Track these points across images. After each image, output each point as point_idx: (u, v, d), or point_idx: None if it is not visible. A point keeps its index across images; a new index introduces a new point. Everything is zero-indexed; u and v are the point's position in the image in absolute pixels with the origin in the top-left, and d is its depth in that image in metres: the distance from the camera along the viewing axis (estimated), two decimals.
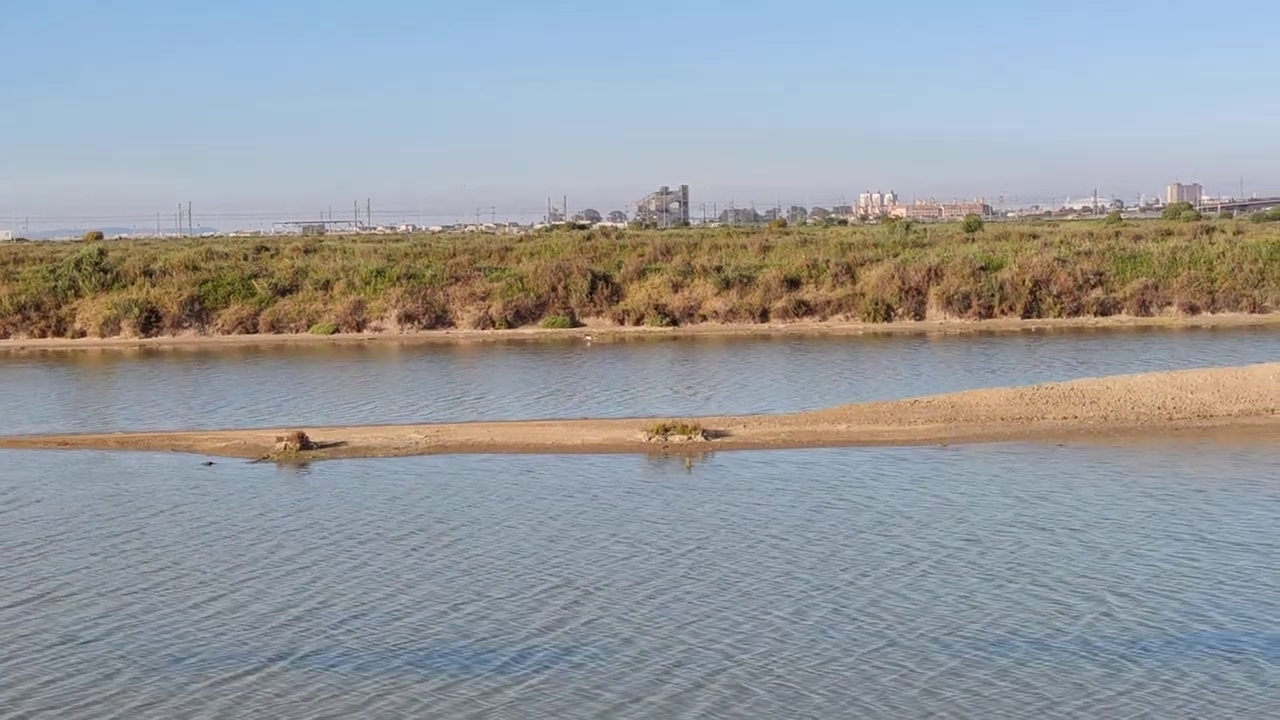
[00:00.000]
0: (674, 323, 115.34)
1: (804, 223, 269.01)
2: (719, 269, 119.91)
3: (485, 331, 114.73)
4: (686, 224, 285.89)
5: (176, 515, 43.49)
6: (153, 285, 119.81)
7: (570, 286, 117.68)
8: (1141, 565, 34.89)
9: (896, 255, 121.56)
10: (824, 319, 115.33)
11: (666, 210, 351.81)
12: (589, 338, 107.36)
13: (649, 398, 69.68)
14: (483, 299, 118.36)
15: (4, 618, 31.80)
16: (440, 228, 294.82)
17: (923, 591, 32.61)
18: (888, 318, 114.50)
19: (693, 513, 41.98)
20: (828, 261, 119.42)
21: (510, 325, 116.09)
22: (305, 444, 55.01)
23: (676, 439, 53.86)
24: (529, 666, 27.77)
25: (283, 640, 29.82)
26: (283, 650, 29.06)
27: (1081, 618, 30.09)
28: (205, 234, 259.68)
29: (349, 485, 47.86)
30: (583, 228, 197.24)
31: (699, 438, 54.13)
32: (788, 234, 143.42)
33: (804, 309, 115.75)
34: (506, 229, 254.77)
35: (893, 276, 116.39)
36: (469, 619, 31.08)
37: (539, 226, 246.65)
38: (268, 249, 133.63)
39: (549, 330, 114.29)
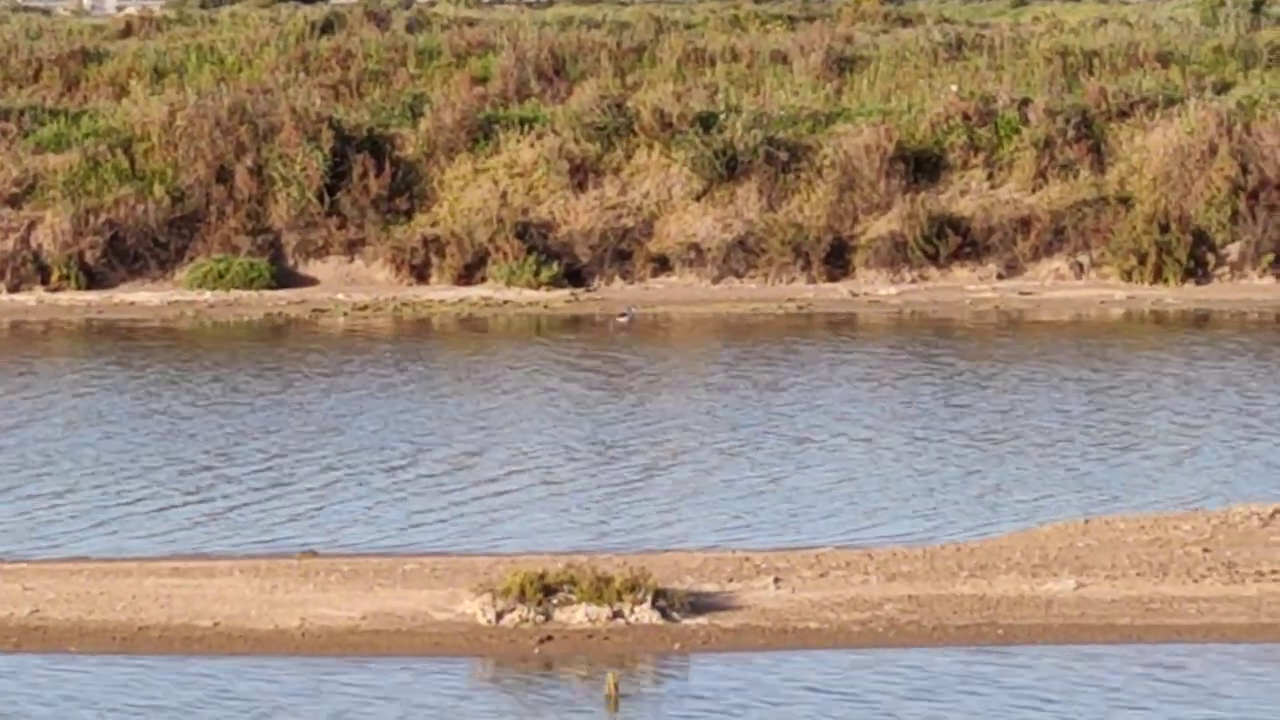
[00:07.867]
0: (574, 277, 55.84)
1: None
2: (706, 120, 57.04)
3: (20, 297, 57.58)
4: None
5: None
6: None
7: (273, 170, 56.98)
8: None
9: (1221, 92, 62.08)
10: (1007, 269, 55.12)
11: None
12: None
13: (496, 491, 36.94)
14: (13, 203, 59.29)
15: None
16: None
17: None
18: (1196, 268, 55.00)
19: None
20: (1022, 105, 57.81)
21: (92, 278, 56.77)
22: None
23: (578, 616, 28.29)
24: None
25: None
26: None
27: None
28: None
29: None
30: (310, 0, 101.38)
31: (646, 612, 28.10)
32: (909, 21, 72.15)
33: (953, 239, 54.74)
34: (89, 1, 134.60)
35: (1208, 152, 57.72)
36: None
37: None
38: None
39: (208, 295, 56.15)
